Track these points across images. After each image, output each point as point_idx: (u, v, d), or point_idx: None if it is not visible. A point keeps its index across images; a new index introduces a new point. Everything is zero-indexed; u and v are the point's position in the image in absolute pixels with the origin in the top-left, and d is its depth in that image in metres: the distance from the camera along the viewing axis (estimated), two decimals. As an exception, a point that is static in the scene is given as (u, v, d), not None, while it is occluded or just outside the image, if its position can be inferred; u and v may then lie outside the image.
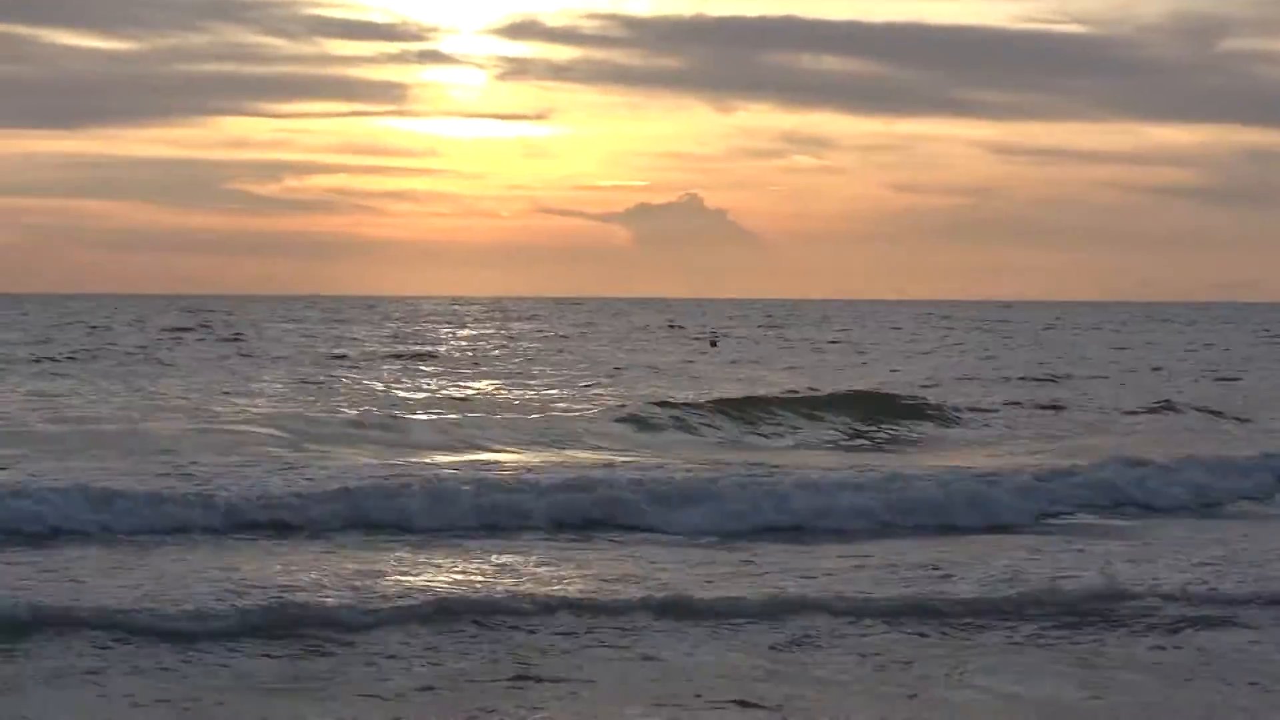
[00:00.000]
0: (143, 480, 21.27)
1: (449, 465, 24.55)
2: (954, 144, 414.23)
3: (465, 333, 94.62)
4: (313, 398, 38.77)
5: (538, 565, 17.01)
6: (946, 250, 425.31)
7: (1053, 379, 50.20)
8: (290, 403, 36.71)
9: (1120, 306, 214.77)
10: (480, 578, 16.16)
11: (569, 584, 15.79)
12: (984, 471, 23.27)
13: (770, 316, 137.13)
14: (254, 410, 33.38)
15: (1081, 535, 19.84)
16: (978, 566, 16.91)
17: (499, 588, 15.48)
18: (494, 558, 17.44)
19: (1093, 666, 12.93)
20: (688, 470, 23.65)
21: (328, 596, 14.80)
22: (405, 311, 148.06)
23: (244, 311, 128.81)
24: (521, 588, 15.46)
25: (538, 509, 20.03)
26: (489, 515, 19.88)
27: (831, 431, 33.43)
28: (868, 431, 33.48)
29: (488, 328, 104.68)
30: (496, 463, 25.43)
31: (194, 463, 23.93)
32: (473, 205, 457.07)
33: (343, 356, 61.06)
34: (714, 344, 77.77)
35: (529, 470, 23.52)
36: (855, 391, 38.88)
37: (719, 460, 26.14)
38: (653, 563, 17.17)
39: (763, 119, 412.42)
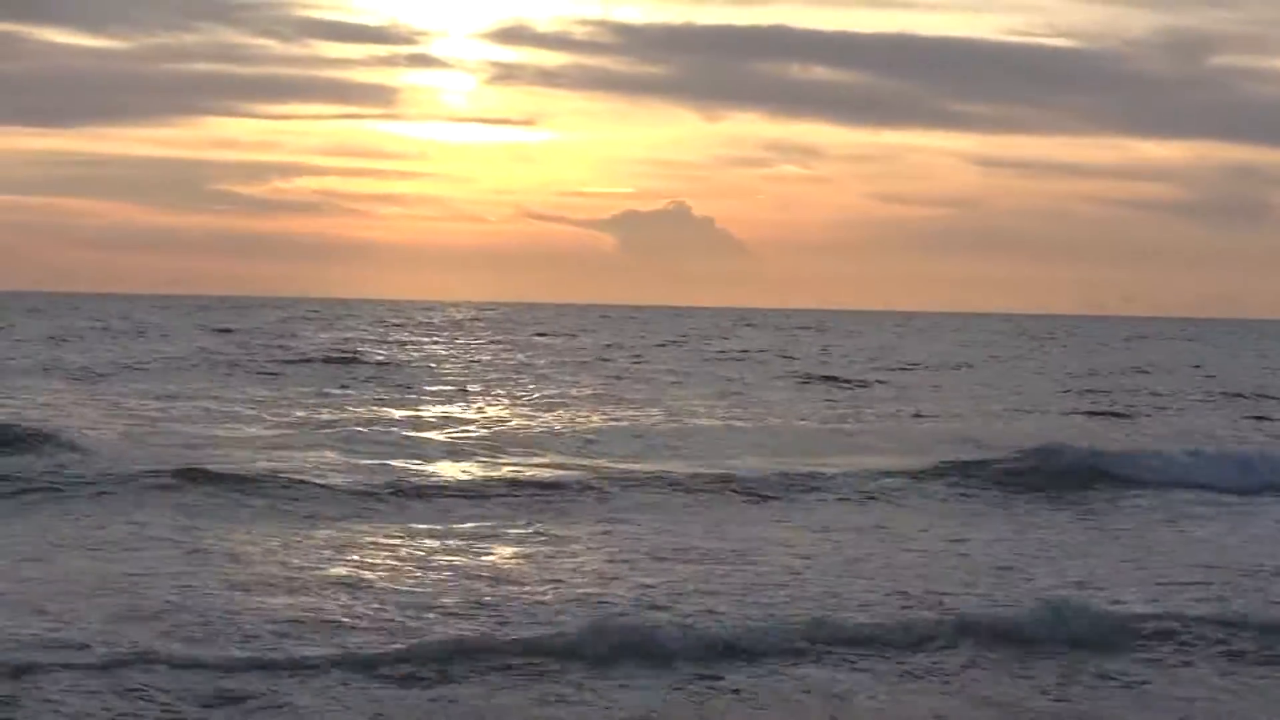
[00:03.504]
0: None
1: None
2: (939, 155, 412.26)
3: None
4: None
5: None
6: (931, 261, 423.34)
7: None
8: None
9: (1116, 321, 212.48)
10: None
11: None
12: None
13: (790, 331, 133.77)
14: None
15: None
16: None
17: None
18: None
19: None
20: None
21: None
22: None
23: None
24: None
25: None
26: None
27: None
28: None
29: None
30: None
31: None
32: (460, 209, 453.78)
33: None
34: None
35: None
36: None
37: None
38: None
39: (750, 128, 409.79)
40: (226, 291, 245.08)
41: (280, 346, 72.16)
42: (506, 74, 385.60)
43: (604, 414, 41.17)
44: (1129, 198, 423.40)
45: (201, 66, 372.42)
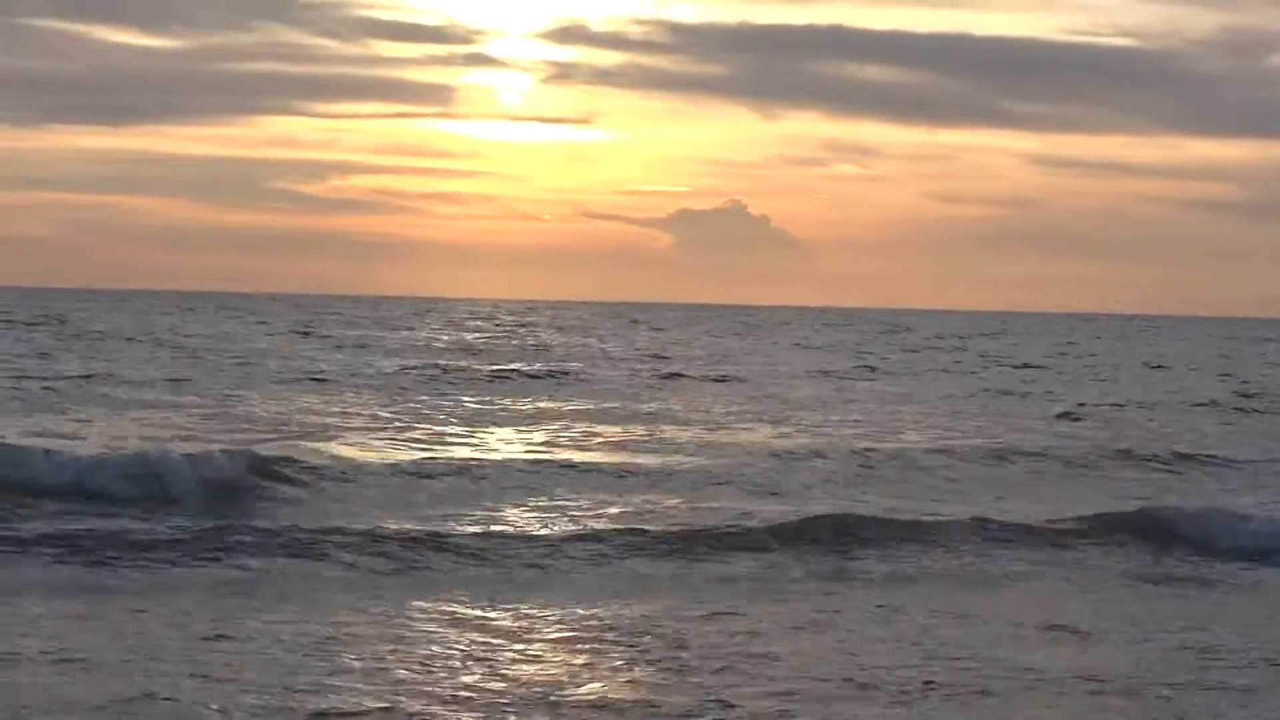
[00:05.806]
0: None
1: None
2: (997, 155, 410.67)
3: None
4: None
5: None
6: (987, 261, 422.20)
7: None
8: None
9: (1178, 321, 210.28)
10: None
11: None
12: None
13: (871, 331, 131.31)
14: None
15: None
16: None
17: None
18: None
19: None
20: None
21: None
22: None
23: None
24: None
25: None
26: None
27: None
28: None
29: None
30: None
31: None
32: (516, 208, 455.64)
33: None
34: None
35: None
36: None
37: None
38: None
39: (807, 127, 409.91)
40: (284, 290, 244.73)
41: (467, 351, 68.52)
42: (562, 73, 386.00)
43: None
44: (1188, 197, 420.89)
45: (260, 66, 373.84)
